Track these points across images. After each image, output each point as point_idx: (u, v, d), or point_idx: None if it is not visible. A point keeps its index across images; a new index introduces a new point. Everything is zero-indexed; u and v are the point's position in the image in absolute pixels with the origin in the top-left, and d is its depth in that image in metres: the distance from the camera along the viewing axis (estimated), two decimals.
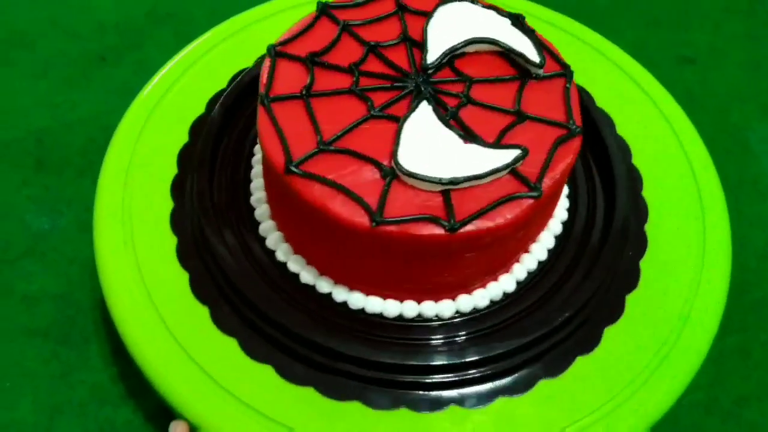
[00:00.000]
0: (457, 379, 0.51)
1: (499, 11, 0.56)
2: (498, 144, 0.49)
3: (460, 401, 0.51)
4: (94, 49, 0.80)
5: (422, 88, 0.52)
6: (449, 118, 0.50)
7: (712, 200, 0.61)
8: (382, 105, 0.51)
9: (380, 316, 0.54)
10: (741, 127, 0.80)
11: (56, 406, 0.58)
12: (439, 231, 0.46)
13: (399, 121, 0.49)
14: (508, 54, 0.54)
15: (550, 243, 0.57)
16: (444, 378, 0.51)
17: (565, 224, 0.59)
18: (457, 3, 0.56)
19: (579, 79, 0.66)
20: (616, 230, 0.56)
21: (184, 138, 0.62)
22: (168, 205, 0.59)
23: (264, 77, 0.52)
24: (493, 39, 0.53)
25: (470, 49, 0.54)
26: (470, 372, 0.51)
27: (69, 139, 0.73)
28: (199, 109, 0.64)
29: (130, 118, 0.63)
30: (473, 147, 0.48)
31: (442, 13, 0.55)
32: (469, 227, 0.46)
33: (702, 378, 0.61)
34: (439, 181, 0.46)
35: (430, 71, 0.53)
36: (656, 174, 0.63)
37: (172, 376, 0.51)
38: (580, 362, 0.53)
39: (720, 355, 0.64)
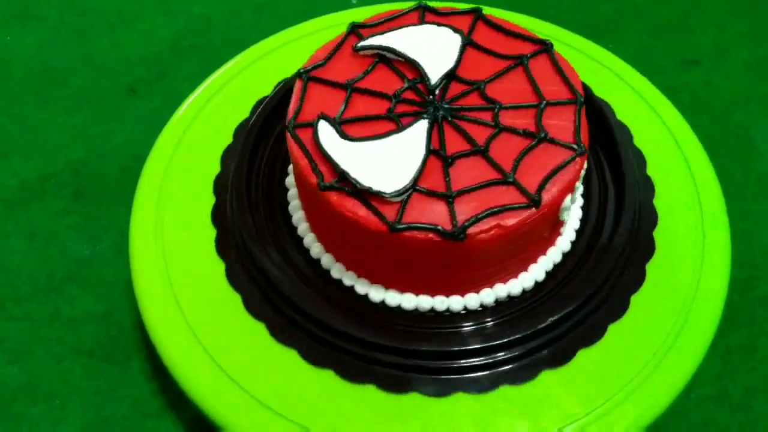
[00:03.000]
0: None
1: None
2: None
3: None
4: (123, 82, 0.85)
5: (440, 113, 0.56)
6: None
7: (712, 205, 0.64)
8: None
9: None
10: (746, 126, 0.82)
11: (103, 420, 0.62)
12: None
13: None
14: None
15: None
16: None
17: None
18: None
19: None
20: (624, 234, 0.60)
21: (211, 162, 0.66)
22: (200, 225, 0.63)
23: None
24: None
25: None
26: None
27: (104, 169, 0.77)
28: (226, 134, 0.68)
29: (160, 146, 0.68)
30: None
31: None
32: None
33: (710, 372, 0.65)
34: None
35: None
36: (665, 182, 0.66)
37: (206, 389, 0.55)
38: (583, 354, 0.56)
39: (727, 349, 0.66)
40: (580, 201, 0.63)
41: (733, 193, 0.75)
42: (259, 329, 0.57)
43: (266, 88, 0.71)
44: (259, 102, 0.70)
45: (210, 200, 0.64)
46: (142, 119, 0.81)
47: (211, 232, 0.62)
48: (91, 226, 0.73)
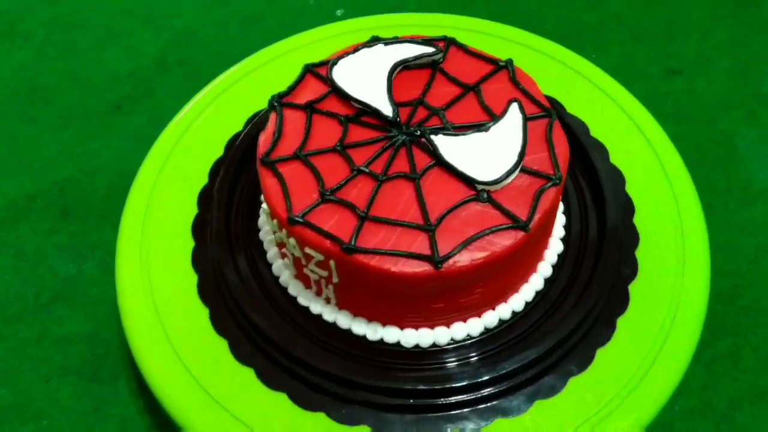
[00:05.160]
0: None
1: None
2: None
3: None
4: (109, 98, 0.85)
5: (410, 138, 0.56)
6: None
7: (691, 220, 0.64)
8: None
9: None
10: (729, 133, 0.82)
11: None
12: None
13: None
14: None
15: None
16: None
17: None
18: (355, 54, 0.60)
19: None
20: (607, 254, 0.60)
21: (200, 180, 0.67)
22: (185, 244, 0.63)
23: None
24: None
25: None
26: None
27: (90, 188, 0.77)
28: (214, 151, 0.69)
29: (147, 166, 0.68)
30: None
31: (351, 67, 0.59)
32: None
33: (695, 383, 0.65)
34: None
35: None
36: (645, 198, 0.66)
37: (188, 408, 0.55)
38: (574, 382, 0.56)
39: (712, 359, 0.67)
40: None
41: (717, 202, 0.76)
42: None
43: (254, 105, 0.71)
44: (252, 117, 0.70)
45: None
46: (129, 136, 0.81)
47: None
48: (78, 245, 0.73)
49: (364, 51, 0.60)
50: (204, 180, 0.67)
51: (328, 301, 0.58)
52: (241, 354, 0.57)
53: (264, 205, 0.63)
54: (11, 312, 0.69)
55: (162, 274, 0.62)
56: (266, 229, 0.63)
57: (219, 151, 0.69)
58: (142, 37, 0.91)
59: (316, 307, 0.58)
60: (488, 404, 0.55)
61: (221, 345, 0.58)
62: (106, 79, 0.87)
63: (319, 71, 0.60)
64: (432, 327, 0.57)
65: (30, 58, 0.89)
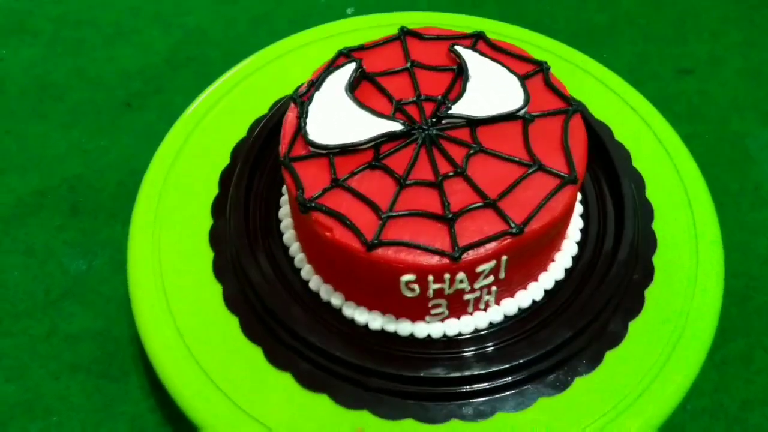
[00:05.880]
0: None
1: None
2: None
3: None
4: (119, 96, 0.85)
5: (427, 135, 0.56)
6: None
7: (706, 225, 0.64)
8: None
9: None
10: (741, 134, 0.82)
11: None
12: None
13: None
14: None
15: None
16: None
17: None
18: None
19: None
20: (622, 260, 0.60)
21: (209, 177, 0.67)
22: (196, 242, 0.63)
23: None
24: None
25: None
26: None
27: (100, 184, 0.77)
28: (223, 149, 0.68)
29: (158, 162, 0.68)
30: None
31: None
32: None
33: (706, 384, 0.65)
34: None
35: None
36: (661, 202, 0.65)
37: (202, 406, 0.55)
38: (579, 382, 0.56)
39: (723, 361, 0.66)
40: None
41: (729, 203, 0.76)
42: (255, 349, 0.57)
43: (263, 101, 0.71)
44: (257, 122, 0.70)
45: (207, 218, 0.64)
46: (138, 133, 0.81)
47: (208, 250, 0.63)
48: (88, 242, 0.73)
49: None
50: (217, 176, 0.67)
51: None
52: (276, 361, 0.57)
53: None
54: (21, 308, 0.69)
55: (175, 271, 0.61)
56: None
57: (231, 145, 0.69)
58: (152, 34, 0.91)
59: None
60: (496, 396, 0.55)
61: (238, 343, 0.58)
62: (115, 76, 0.87)
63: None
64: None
65: (39, 55, 0.89)
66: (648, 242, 0.62)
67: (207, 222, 0.64)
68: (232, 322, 0.59)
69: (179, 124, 0.71)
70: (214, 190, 0.66)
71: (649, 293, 0.60)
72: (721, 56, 0.89)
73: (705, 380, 0.64)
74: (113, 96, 0.85)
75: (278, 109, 0.68)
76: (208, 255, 0.62)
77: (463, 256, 0.50)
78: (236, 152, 0.68)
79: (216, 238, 0.63)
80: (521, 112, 0.57)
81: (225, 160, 0.68)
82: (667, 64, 0.88)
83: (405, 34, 0.63)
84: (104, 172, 0.78)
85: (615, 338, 0.57)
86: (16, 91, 0.85)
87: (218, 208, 0.65)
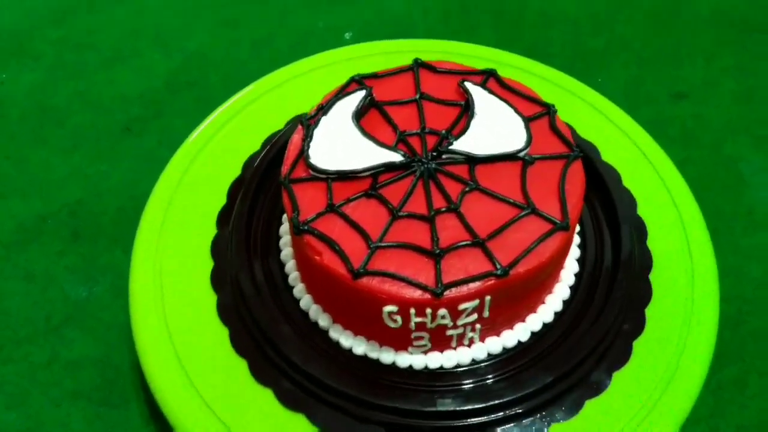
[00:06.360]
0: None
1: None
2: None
3: None
4: (119, 120, 0.85)
5: (426, 168, 0.57)
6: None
7: (701, 251, 0.64)
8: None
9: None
10: (735, 158, 0.83)
11: None
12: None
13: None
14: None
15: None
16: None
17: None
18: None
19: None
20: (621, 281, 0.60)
21: (216, 200, 0.67)
22: (202, 265, 0.63)
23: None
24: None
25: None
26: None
27: (101, 210, 0.78)
28: (229, 171, 0.69)
29: (160, 188, 0.68)
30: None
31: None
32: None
33: (702, 410, 0.65)
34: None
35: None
36: (653, 222, 0.66)
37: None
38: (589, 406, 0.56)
39: (719, 386, 0.67)
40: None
41: (722, 227, 0.76)
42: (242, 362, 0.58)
43: (263, 129, 0.72)
44: (251, 158, 0.70)
45: (209, 249, 0.65)
46: (139, 158, 0.82)
47: (210, 279, 0.63)
48: (88, 268, 0.74)
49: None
50: (220, 201, 0.67)
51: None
52: (261, 376, 0.57)
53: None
54: (22, 335, 0.70)
55: (176, 296, 0.62)
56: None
57: (234, 172, 0.69)
58: (152, 58, 0.92)
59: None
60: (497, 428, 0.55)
61: (241, 367, 0.58)
62: (116, 100, 0.87)
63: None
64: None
65: (40, 78, 0.89)
66: (642, 294, 0.61)
67: (208, 260, 0.64)
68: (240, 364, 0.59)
69: (181, 151, 0.71)
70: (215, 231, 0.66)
71: (638, 344, 0.59)
72: (715, 80, 0.90)
73: (701, 405, 0.64)
74: (113, 120, 0.85)
75: (291, 127, 0.69)
76: (211, 286, 0.62)
77: (445, 293, 0.51)
78: (246, 168, 0.68)
79: (217, 254, 0.64)
80: (522, 154, 0.57)
81: (227, 186, 0.68)
82: (661, 88, 0.89)
83: (419, 66, 0.64)
84: (104, 197, 0.79)
85: (597, 387, 0.57)
86: (16, 115, 0.86)
87: (222, 220, 0.65)
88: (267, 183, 0.67)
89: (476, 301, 0.52)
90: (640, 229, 0.65)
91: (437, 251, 0.52)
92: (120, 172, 0.81)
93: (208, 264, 0.64)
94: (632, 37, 0.94)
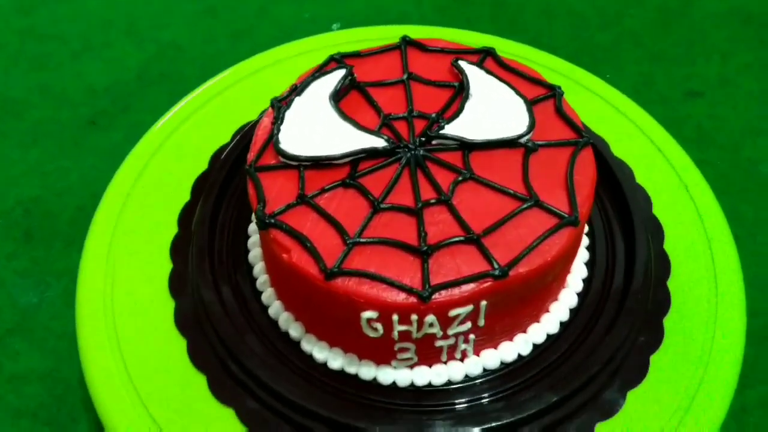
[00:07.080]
0: None
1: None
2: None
3: None
4: (84, 114, 0.81)
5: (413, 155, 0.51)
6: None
7: (724, 255, 0.58)
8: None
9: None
10: (755, 161, 0.78)
11: None
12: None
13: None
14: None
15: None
16: None
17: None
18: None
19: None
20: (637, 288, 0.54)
21: (178, 197, 0.61)
22: (160, 270, 0.57)
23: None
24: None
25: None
26: None
27: (58, 209, 0.73)
28: (194, 165, 0.63)
29: (118, 180, 0.63)
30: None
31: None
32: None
33: None
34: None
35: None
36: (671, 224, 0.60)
37: None
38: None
39: (743, 408, 0.62)
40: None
41: (743, 235, 0.71)
42: (207, 393, 0.52)
43: (237, 119, 0.66)
44: (218, 151, 0.64)
45: (167, 253, 0.59)
46: (103, 154, 0.77)
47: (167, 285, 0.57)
48: (41, 272, 0.69)
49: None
50: (183, 197, 0.61)
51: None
52: (222, 394, 0.51)
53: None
54: None
55: (129, 302, 0.56)
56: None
57: (200, 166, 0.63)
58: (124, 49, 0.88)
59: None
60: None
61: (199, 384, 0.52)
62: (81, 92, 0.83)
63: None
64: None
65: (0, 69, 0.85)
66: (660, 303, 0.55)
67: (167, 262, 0.58)
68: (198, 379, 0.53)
69: (144, 141, 0.65)
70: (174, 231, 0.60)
71: (656, 358, 0.53)
72: (732, 78, 0.85)
73: (724, 430, 0.58)
74: (78, 114, 0.81)
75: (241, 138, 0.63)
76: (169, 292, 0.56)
77: (433, 297, 0.45)
78: (213, 162, 0.63)
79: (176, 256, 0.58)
80: (523, 140, 0.51)
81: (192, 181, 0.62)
82: (674, 85, 0.85)
83: (407, 43, 0.58)
84: (63, 195, 0.74)
85: (609, 408, 0.51)
86: None
87: (184, 219, 0.60)
88: (236, 178, 0.61)
89: (470, 307, 0.46)
90: (656, 231, 0.59)
91: (424, 248, 0.46)
92: (82, 168, 0.77)
93: (167, 267, 0.58)
94: (642, 32, 0.90)
